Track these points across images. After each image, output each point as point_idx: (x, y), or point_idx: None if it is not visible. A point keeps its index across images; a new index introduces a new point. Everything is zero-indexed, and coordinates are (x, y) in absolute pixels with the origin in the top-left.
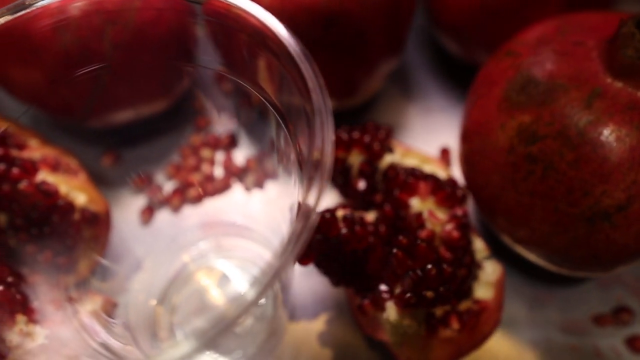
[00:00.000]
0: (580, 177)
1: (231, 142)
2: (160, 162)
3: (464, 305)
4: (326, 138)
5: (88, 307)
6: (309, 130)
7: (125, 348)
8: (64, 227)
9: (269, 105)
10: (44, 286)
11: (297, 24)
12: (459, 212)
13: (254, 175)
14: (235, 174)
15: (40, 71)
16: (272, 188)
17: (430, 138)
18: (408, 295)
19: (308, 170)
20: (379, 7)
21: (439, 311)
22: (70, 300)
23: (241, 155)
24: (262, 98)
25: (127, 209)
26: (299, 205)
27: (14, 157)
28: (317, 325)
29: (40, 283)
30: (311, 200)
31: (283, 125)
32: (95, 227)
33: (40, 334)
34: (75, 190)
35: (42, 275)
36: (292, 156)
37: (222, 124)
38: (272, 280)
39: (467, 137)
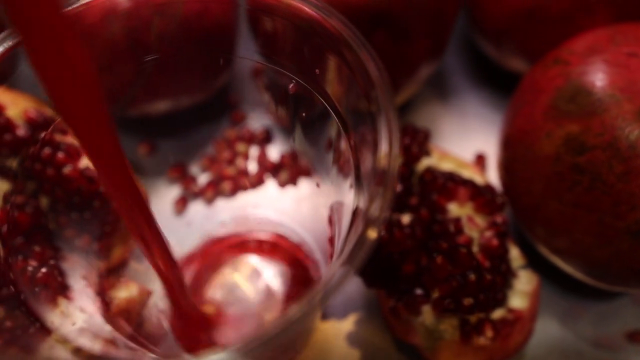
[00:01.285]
0: (628, 190)
1: (266, 138)
2: (195, 154)
3: (498, 314)
4: (393, 142)
5: (123, 294)
6: (372, 132)
7: (157, 337)
8: (104, 213)
9: (323, 102)
10: (79, 270)
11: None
12: (498, 219)
13: (288, 171)
14: (269, 169)
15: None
16: (305, 185)
17: (464, 143)
18: (447, 300)
19: (371, 177)
20: (425, 9)
21: (473, 318)
22: (105, 286)
23: (275, 151)
24: (318, 96)
25: (161, 199)
26: (356, 212)
27: (59, 141)
28: (347, 325)
29: (75, 267)
30: (375, 211)
31: (338, 122)
32: None
33: (79, 317)
34: None
35: (77, 260)
36: (349, 157)
37: (258, 118)
38: (327, 297)
39: (509, 144)
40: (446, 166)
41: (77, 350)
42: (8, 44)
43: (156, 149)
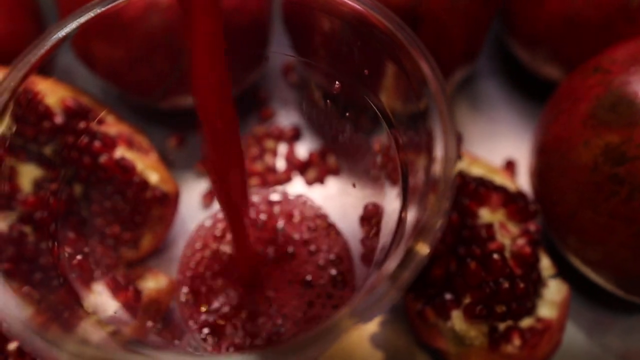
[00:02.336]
0: None
1: (295, 135)
2: None
3: (526, 323)
4: (449, 147)
5: (152, 285)
6: (425, 136)
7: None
8: (136, 203)
9: (371, 103)
10: (109, 259)
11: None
12: (531, 227)
13: (317, 170)
14: (297, 167)
15: (124, 50)
16: (333, 184)
17: (494, 149)
18: (479, 307)
19: (424, 185)
20: (463, 12)
21: (502, 326)
22: (133, 276)
23: (304, 149)
24: (366, 97)
25: (189, 192)
26: (400, 220)
27: (95, 130)
28: (371, 327)
29: (106, 256)
30: (428, 222)
31: (386, 124)
32: (164, 206)
33: (111, 306)
34: (149, 169)
35: (107, 249)
36: (397, 160)
37: (287, 116)
38: (368, 314)
39: (543, 151)
40: (476, 171)
41: (114, 334)
42: (59, 35)
43: (185, 142)
